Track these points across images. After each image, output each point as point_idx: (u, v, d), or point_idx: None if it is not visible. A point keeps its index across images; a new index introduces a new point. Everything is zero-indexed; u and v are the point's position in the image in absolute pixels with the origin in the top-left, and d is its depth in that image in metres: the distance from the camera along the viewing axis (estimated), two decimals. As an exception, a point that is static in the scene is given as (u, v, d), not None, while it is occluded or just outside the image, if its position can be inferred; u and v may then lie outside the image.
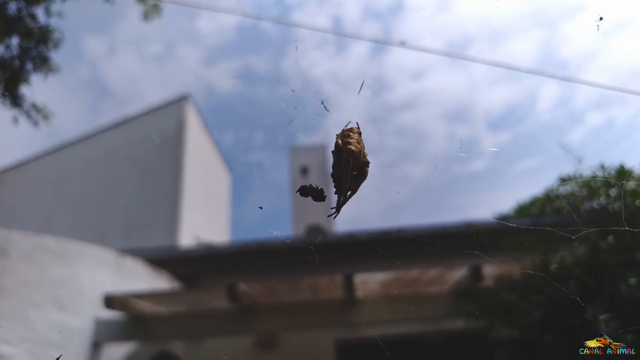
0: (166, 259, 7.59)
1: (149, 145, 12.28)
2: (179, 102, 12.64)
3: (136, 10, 5.81)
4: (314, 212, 12.79)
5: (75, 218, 11.70)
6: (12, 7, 5.09)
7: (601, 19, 1.68)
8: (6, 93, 5.08)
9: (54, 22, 5.31)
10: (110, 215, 11.56)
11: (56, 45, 5.30)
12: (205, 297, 5.88)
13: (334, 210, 1.17)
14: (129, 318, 5.77)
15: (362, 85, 1.29)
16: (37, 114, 5.35)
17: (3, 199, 12.77)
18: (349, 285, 5.11)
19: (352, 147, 1.09)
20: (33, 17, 5.17)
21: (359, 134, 1.13)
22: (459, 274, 5.06)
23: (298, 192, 1.17)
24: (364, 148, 1.13)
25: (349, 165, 1.09)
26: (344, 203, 1.15)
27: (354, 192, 1.15)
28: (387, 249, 6.84)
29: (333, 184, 1.15)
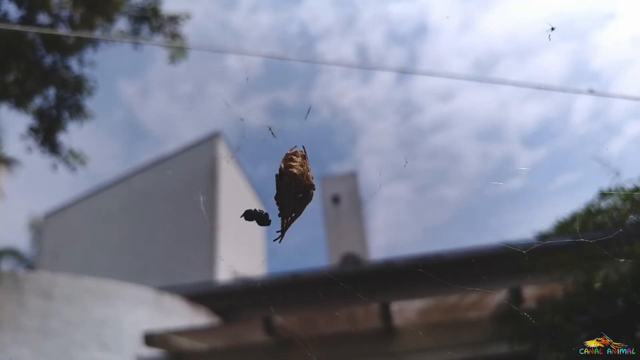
0: (204, 294, 7.65)
1: (184, 183, 12.56)
2: (211, 140, 12.94)
3: (164, 53, 6.07)
4: (349, 240, 12.73)
5: (115, 258, 11.97)
6: (48, 60, 5.39)
7: (553, 29, 1.65)
8: (45, 142, 5.34)
9: (87, 71, 5.61)
10: (149, 254, 11.79)
11: (90, 93, 5.57)
12: (243, 331, 5.88)
13: (279, 233, 1.16)
14: (170, 355, 5.81)
15: (308, 110, 1.36)
16: (75, 160, 5.59)
17: (47, 243, 13.22)
18: (385, 314, 5.03)
19: (294, 171, 1.11)
20: (67, 68, 5.46)
21: (304, 157, 1.15)
22: (498, 297, 4.92)
23: (243, 217, 1.17)
24: (308, 171, 1.14)
25: (291, 188, 1.11)
26: (288, 226, 1.15)
27: (298, 214, 1.15)
28: (425, 275, 6.71)
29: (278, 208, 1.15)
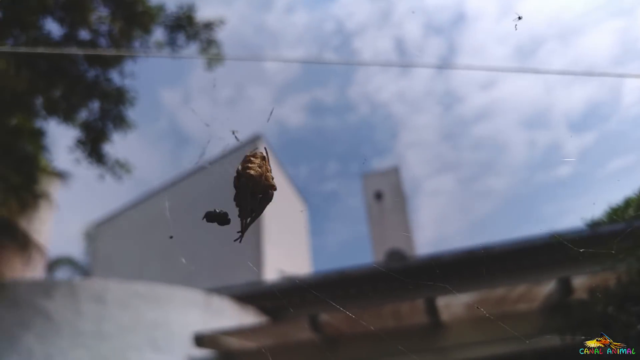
0: (252, 295, 7.77)
1: (228, 187, 12.79)
2: (252, 142, 13.12)
3: (202, 60, 6.22)
4: (393, 236, 12.62)
5: (164, 262, 12.34)
6: (91, 74, 5.62)
7: (520, 18, 1.60)
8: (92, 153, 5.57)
9: (128, 82, 5.81)
10: (197, 257, 12.08)
11: (132, 103, 5.77)
12: (290, 329, 5.93)
13: (239, 234, 1.18)
14: (220, 355, 5.93)
15: (271, 112, 1.39)
16: (121, 169, 5.81)
17: (100, 250, 13.77)
18: (431, 310, 4.97)
19: (252, 172, 1.15)
20: (109, 80, 5.68)
21: (263, 158, 1.17)
22: (547, 288, 4.77)
23: (204, 219, 1.22)
24: (268, 172, 1.16)
25: (248, 189, 1.15)
26: (248, 226, 1.18)
27: (258, 214, 1.18)
28: (472, 269, 6.59)
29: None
